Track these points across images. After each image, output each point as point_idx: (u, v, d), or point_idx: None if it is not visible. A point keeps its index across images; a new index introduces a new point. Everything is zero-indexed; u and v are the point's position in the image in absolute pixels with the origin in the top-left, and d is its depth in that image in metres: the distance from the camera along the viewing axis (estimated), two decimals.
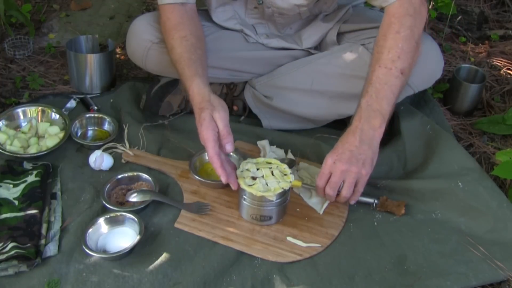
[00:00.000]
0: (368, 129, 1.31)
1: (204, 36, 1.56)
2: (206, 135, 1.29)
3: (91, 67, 1.81)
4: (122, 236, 1.30)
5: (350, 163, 1.28)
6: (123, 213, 1.32)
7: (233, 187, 1.31)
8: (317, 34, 1.67)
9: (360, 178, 1.30)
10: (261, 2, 1.57)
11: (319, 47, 1.71)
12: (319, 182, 1.32)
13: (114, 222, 1.32)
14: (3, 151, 1.50)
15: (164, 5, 1.53)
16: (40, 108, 1.65)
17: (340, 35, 1.66)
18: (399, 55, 1.33)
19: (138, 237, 1.26)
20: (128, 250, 1.24)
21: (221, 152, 1.31)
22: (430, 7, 2.21)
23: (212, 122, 1.30)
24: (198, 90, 1.36)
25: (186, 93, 1.42)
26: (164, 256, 1.26)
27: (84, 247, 1.24)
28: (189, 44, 1.47)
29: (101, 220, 1.30)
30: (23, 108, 1.64)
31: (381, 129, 1.32)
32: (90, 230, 1.28)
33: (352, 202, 1.36)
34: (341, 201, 1.35)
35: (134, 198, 1.37)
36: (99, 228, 1.30)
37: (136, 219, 1.31)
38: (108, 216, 1.32)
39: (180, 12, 1.52)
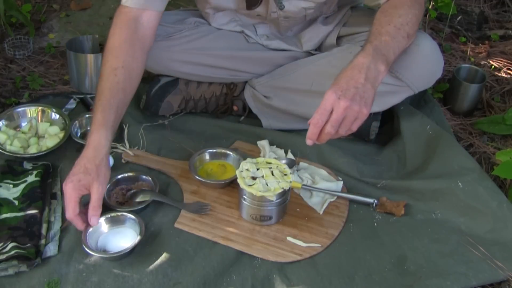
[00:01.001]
0: (374, 69, 1.26)
1: (138, 72, 1.45)
2: (70, 195, 1.24)
3: (91, 67, 1.81)
4: (123, 236, 1.30)
5: (353, 100, 1.21)
6: (124, 213, 1.32)
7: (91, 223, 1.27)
8: (317, 37, 1.67)
9: (358, 117, 1.23)
10: (283, 7, 1.55)
11: (319, 49, 1.71)
12: (320, 117, 1.22)
13: (114, 222, 1.32)
14: (3, 151, 1.50)
15: (121, 10, 1.44)
16: (40, 108, 1.65)
17: (339, 38, 1.66)
18: (408, 22, 1.36)
19: (138, 238, 1.26)
20: (128, 250, 1.24)
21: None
22: (430, 7, 2.21)
23: (83, 188, 1.25)
24: (96, 144, 1.30)
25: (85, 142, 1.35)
26: (164, 256, 1.26)
27: (84, 246, 1.24)
28: (115, 81, 1.38)
29: (102, 220, 1.30)
30: (23, 108, 1.64)
31: (384, 74, 1.28)
32: (91, 229, 1.28)
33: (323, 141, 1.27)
34: (333, 137, 1.25)
35: (134, 198, 1.37)
36: (100, 228, 1.30)
37: (136, 219, 1.31)
38: (109, 216, 1.32)
39: (129, 32, 1.42)
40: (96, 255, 1.24)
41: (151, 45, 1.50)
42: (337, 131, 1.23)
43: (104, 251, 1.27)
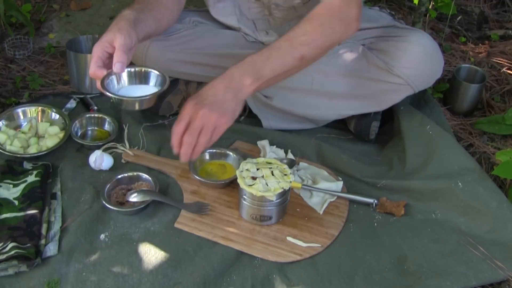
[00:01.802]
0: (239, 81, 1.26)
1: (174, 8, 1.52)
2: (94, 52, 1.25)
3: None
4: (144, 91, 1.27)
5: (211, 108, 1.20)
6: (149, 69, 1.31)
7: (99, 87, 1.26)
8: None
9: (218, 127, 1.22)
10: None
11: None
12: (178, 127, 1.22)
13: (137, 77, 1.30)
14: (3, 151, 1.50)
15: None
16: (40, 108, 1.65)
17: None
18: (309, 43, 1.33)
19: (157, 89, 1.25)
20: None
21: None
22: (430, 7, 2.21)
23: (106, 43, 1.25)
24: (118, 16, 1.31)
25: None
26: (164, 256, 1.26)
27: (106, 92, 1.22)
28: (153, 2, 1.43)
29: (124, 74, 1.28)
30: (23, 108, 1.64)
31: (250, 88, 1.26)
32: (111, 77, 1.26)
33: (196, 154, 1.26)
34: (197, 149, 1.24)
35: (134, 198, 1.37)
36: (120, 81, 1.28)
37: (161, 76, 1.29)
38: (132, 70, 1.30)
39: None
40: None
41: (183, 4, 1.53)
42: (198, 141, 1.22)
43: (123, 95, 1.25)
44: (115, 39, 1.25)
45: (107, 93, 1.24)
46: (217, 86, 1.25)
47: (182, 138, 1.22)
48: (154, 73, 1.33)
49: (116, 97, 1.25)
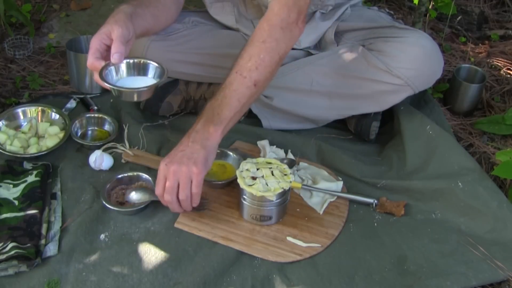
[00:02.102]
0: (203, 132, 1.27)
1: (172, 6, 1.53)
2: (91, 44, 1.26)
3: None
4: (142, 83, 1.28)
5: (180, 162, 1.23)
6: (147, 61, 1.32)
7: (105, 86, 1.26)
8: (315, 33, 1.67)
9: (193, 178, 1.23)
10: None
11: (318, 46, 1.71)
12: (157, 190, 1.26)
13: (136, 68, 1.31)
14: (3, 151, 1.50)
15: None
16: (40, 108, 1.65)
17: (338, 34, 1.66)
18: (257, 66, 1.31)
19: (155, 81, 1.26)
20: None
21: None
22: (430, 7, 2.21)
23: (104, 35, 1.26)
24: (116, 11, 1.32)
25: None
26: (164, 256, 1.26)
27: (104, 82, 1.23)
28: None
29: (123, 65, 1.29)
30: (23, 108, 1.64)
31: (216, 134, 1.28)
32: (110, 68, 1.26)
33: (194, 205, 1.29)
34: (184, 207, 1.28)
35: (134, 197, 1.37)
36: (119, 71, 1.29)
37: (159, 68, 1.30)
38: (131, 61, 1.30)
39: None
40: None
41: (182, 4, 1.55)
42: (183, 199, 1.25)
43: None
44: (112, 31, 1.26)
45: (105, 84, 1.24)
46: (184, 141, 1.27)
47: (166, 196, 1.25)
48: (153, 65, 1.33)
49: (114, 87, 1.25)
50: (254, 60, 1.31)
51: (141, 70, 1.32)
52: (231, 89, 1.30)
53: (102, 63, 1.26)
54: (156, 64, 1.33)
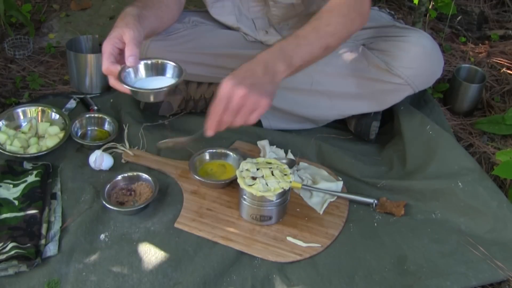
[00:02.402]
0: (273, 65, 1.24)
1: (175, 7, 1.54)
2: (104, 48, 1.25)
3: (91, 67, 1.80)
4: (160, 83, 1.28)
5: (252, 89, 1.17)
6: (165, 61, 1.32)
7: (123, 89, 1.26)
8: None
9: (257, 109, 1.20)
10: None
11: None
12: (217, 108, 1.19)
13: (153, 69, 1.31)
14: (3, 151, 1.50)
15: None
16: (40, 108, 1.65)
17: None
18: (333, 34, 1.34)
19: (174, 81, 1.26)
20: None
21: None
22: (430, 7, 2.21)
23: (116, 39, 1.25)
24: (123, 14, 1.31)
25: None
26: (164, 256, 1.26)
27: (122, 84, 1.23)
28: (155, 1, 1.44)
29: (140, 66, 1.30)
30: (23, 108, 1.64)
31: (283, 74, 1.25)
32: (127, 70, 1.26)
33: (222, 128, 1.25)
34: (231, 126, 1.23)
35: (163, 144, 1.36)
36: (137, 73, 1.29)
37: (177, 67, 1.30)
38: (149, 62, 1.31)
39: None
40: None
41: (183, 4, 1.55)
42: (234, 121, 1.21)
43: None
44: (124, 34, 1.25)
45: (124, 86, 1.24)
46: (254, 68, 1.22)
47: (221, 117, 1.20)
48: (170, 65, 1.33)
49: (133, 89, 1.25)
50: (332, 27, 1.33)
51: (159, 70, 1.32)
52: (306, 42, 1.30)
53: (118, 67, 1.26)
54: (174, 64, 1.33)
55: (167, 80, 1.32)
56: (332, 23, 1.34)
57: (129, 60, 1.24)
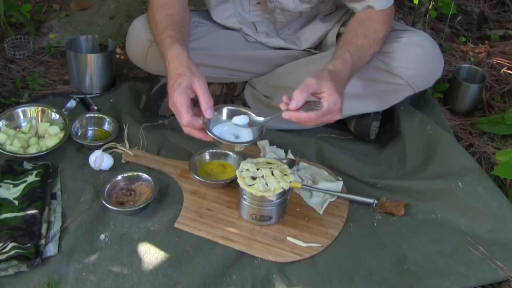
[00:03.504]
0: (346, 83, 1.37)
1: (190, 20, 1.54)
2: (179, 101, 1.25)
3: (91, 67, 1.81)
4: (239, 131, 1.31)
5: (341, 103, 1.28)
6: (244, 109, 1.34)
7: (207, 138, 1.28)
8: (316, 34, 1.67)
9: (334, 118, 1.30)
10: None
11: (319, 48, 1.71)
12: (324, 116, 1.26)
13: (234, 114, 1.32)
14: (3, 151, 1.50)
15: None
16: (40, 108, 1.65)
17: (340, 36, 1.66)
18: (378, 41, 1.46)
19: (253, 136, 1.29)
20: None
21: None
22: (430, 7, 2.21)
23: (188, 89, 1.26)
24: (176, 55, 1.32)
25: (163, 61, 1.37)
26: (164, 256, 1.26)
27: (208, 132, 1.25)
28: (175, 21, 1.44)
29: (223, 111, 1.32)
30: (23, 108, 1.64)
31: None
32: (210, 121, 1.27)
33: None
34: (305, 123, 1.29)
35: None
36: (219, 117, 1.31)
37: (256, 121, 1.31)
38: (231, 108, 1.33)
39: None
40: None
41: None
42: (301, 119, 1.26)
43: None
44: (194, 84, 1.26)
45: (211, 135, 1.26)
46: (342, 91, 1.31)
47: (309, 118, 1.24)
48: (250, 113, 1.34)
49: (225, 142, 1.27)
50: (377, 34, 1.45)
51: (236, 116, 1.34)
52: (362, 52, 1.41)
53: (199, 121, 1.26)
54: (253, 114, 1.34)
55: (245, 129, 1.32)
56: (377, 30, 1.44)
57: (208, 112, 1.25)
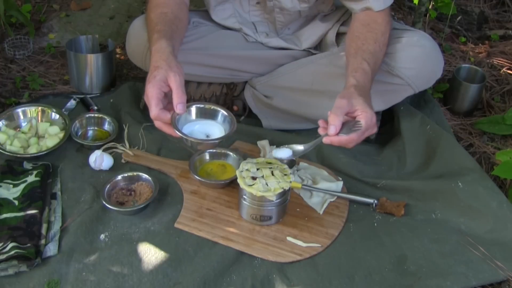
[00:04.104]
0: (370, 98, 1.35)
1: (187, 20, 1.54)
2: (151, 93, 1.24)
3: (91, 67, 1.81)
4: (210, 129, 1.30)
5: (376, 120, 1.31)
6: (216, 107, 1.33)
7: (175, 135, 1.27)
8: (316, 34, 1.67)
9: (372, 133, 1.31)
10: None
11: (319, 48, 1.71)
12: (360, 138, 1.26)
13: (204, 113, 1.32)
14: (3, 151, 1.50)
15: None
16: (40, 108, 1.65)
17: (339, 36, 1.66)
18: (385, 44, 1.47)
19: (224, 132, 1.28)
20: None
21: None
22: (430, 7, 2.21)
23: (162, 83, 1.25)
24: (159, 49, 1.31)
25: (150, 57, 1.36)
26: (164, 256, 1.26)
27: (175, 130, 1.24)
28: (167, 19, 1.43)
29: (192, 109, 1.31)
30: (23, 108, 1.64)
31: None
32: (178, 117, 1.26)
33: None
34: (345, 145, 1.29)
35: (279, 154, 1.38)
36: (188, 116, 1.30)
37: (229, 116, 1.30)
38: (200, 106, 1.32)
39: None
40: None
41: (188, 4, 1.56)
42: (357, 138, 1.27)
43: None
44: (169, 78, 1.25)
45: (176, 132, 1.25)
46: (370, 102, 1.31)
47: (352, 140, 1.24)
48: (222, 113, 1.34)
49: (189, 138, 1.26)
50: (385, 37, 1.46)
51: (208, 115, 1.34)
52: (377, 58, 1.42)
53: (168, 115, 1.26)
54: (226, 113, 1.34)
55: (216, 126, 1.32)
56: (384, 32, 1.45)
57: (178, 107, 1.24)
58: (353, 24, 1.50)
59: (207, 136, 1.32)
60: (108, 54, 1.83)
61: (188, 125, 1.30)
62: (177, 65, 1.28)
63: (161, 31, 1.37)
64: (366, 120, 1.25)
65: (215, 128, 1.31)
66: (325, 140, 1.24)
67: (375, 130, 1.30)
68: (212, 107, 1.33)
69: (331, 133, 1.23)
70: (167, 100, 1.27)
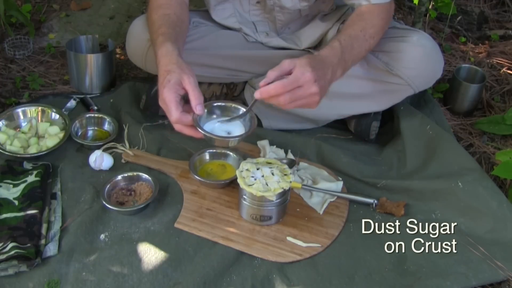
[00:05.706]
0: (335, 71, 1.29)
1: (188, 21, 1.53)
2: (169, 97, 1.23)
3: (91, 67, 1.81)
4: (230, 126, 1.29)
5: (320, 90, 1.21)
6: (235, 105, 1.33)
7: (197, 135, 1.26)
8: (316, 33, 1.67)
9: (309, 105, 1.24)
10: None
11: (319, 47, 1.71)
12: (287, 85, 1.19)
13: (224, 111, 1.32)
14: (3, 151, 1.50)
15: None
16: (40, 108, 1.65)
17: None
18: (374, 36, 1.41)
19: (245, 130, 1.27)
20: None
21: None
22: (430, 7, 2.21)
23: (177, 86, 1.24)
24: (166, 52, 1.30)
25: (155, 60, 1.34)
26: (164, 256, 1.26)
27: (198, 129, 1.23)
28: (170, 21, 1.42)
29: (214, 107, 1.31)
30: (23, 108, 1.64)
31: (338, 79, 1.32)
32: (199, 117, 1.25)
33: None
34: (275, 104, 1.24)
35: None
36: (210, 114, 1.30)
37: (249, 115, 1.29)
38: (221, 105, 1.32)
39: None
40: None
41: (188, 4, 1.55)
42: (280, 101, 1.21)
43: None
44: (184, 81, 1.24)
45: (202, 132, 1.24)
46: (326, 72, 1.25)
47: (281, 93, 1.19)
48: (242, 110, 1.33)
49: (215, 137, 1.25)
50: (375, 30, 1.40)
51: (229, 113, 1.33)
52: (357, 44, 1.36)
53: (189, 117, 1.24)
54: (245, 108, 1.33)
55: (236, 123, 1.31)
56: (375, 25, 1.40)
57: (197, 108, 1.23)
58: (350, 15, 1.49)
59: (228, 134, 1.31)
60: (108, 54, 1.83)
61: (208, 124, 1.30)
62: (187, 67, 1.28)
63: (165, 33, 1.37)
64: (296, 73, 1.19)
65: (235, 126, 1.31)
66: (256, 94, 1.21)
67: (312, 89, 1.19)
68: (233, 105, 1.33)
69: (261, 84, 1.20)
70: (182, 103, 1.27)
